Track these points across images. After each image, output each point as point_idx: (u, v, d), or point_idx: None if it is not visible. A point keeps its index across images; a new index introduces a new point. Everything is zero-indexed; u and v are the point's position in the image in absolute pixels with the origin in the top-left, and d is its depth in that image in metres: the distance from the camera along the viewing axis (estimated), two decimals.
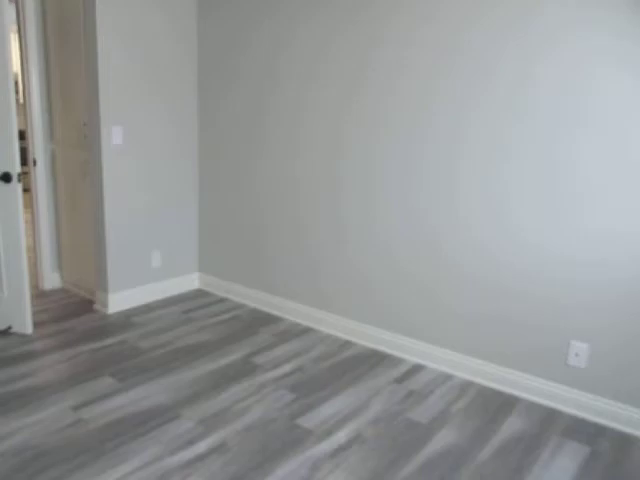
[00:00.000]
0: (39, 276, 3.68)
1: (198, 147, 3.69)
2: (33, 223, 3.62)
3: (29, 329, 2.93)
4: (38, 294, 3.58)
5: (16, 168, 2.77)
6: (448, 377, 2.70)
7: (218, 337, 3.05)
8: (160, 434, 2.11)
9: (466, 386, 2.61)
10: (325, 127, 3.00)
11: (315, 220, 3.14)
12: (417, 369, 2.77)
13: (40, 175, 3.55)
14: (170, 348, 2.88)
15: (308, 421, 2.24)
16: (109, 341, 2.93)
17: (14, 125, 2.73)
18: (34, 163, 3.52)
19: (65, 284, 3.74)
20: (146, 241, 3.49)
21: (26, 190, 3.75)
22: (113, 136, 3.17)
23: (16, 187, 2.79)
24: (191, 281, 3.83)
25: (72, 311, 3.33)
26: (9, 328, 2.93)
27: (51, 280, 3.71)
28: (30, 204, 3.60)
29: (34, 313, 3.19)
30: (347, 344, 3.04)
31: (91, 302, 3.48)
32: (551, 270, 2.38)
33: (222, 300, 3.66)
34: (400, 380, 2.64)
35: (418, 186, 2.71)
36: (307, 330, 3.21)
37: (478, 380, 2.65)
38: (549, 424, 2.31)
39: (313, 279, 3.23)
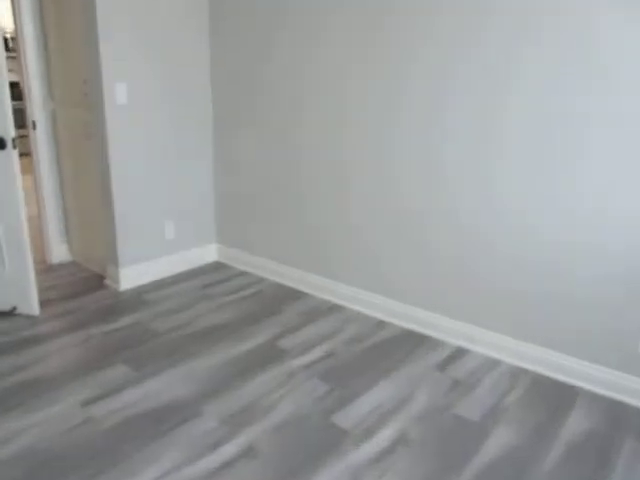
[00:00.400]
0: (46, 249, 3.42)
1: (212, 104, 3.33)
2: (36, 191, 3.34)
3: (35, 310, 2.69)
4: (46, 269, 3.34)
5: (10, 132, 2.46)
6: (496, 363, 2.42)
7: (239, 317, 2.80)
8: (181, 435, 1.87)
9: (517, 374, 2.34)
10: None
11: (346, 183, 2.82)
12: (460, 353, 2.50)
13: (41, 138, 3.24)
14: (188, 330, 2.64)
15: (345, 419, 1.99)
16: (122, 322, 2.69)
17: (5, 86, 2.41)
18: (33, 125, 3.21)
19: (75, 257, 3.48)
20: (158, 210, 3.20)
21: (26, 154, 3.46)
22: (117, 95, 2.82)
23: (11, 153, 2.49)
24: (208, 253, 3.56)
25: (82, 288, 3.09)
26: (14, 309, 2.69)
27: (59, 253, 3.46)
28: (31, 170, 3.31)
29: (41, 290, 2.96)
30: (380, 324, 2.77)
31: (102, 277, 3.23)
32: (625, 243, 2.05)
33: (242, 274, 3.39)
34: (442, 367, 2.38)
35: (443, 145, 2.36)
36: (335, 308, 2.94)
37: (530, 367, 2.38)
38: (621, 423, 2.02)
39: (339, 250, 2.93)
